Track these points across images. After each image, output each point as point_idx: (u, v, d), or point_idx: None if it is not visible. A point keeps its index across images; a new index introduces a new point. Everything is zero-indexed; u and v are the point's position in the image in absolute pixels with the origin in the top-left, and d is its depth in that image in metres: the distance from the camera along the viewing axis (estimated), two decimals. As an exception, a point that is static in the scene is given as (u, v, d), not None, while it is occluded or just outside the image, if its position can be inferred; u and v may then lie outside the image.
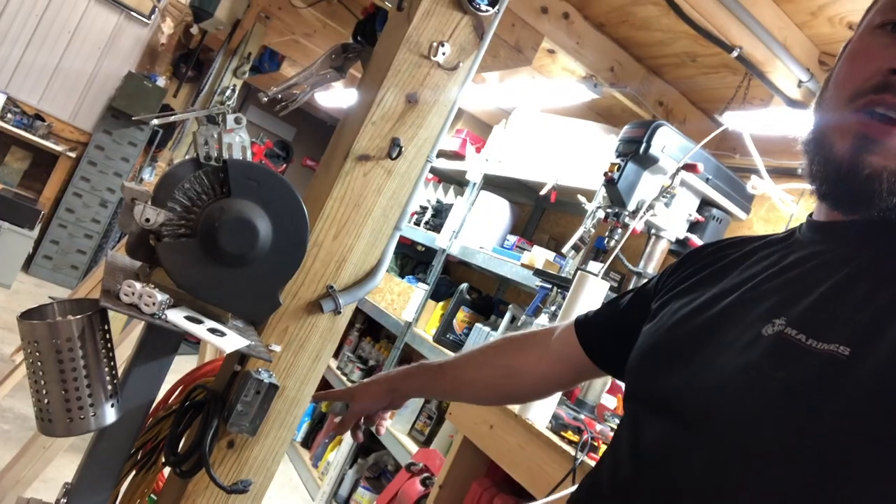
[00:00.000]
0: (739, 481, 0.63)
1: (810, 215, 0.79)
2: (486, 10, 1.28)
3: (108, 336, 1.05)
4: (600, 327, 0.99)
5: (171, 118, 1.24)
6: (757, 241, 0.84)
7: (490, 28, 1.32)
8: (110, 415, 1.04)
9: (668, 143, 1.97)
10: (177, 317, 1.04)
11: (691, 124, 2.47)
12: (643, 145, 1.95)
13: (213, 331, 1.06)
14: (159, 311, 1.00)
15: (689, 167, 1.93)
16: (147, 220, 1.04)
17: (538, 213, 3.60)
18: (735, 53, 1.78)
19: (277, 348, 1.26)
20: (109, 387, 1.04)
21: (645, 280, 2.22)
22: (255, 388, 1.17)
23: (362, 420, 1.19)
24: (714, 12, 1.65)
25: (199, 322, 1.07)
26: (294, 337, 1.28)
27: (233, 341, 1.06)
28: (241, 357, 1.22)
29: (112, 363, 1.05)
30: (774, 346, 0.65)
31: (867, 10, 0.73)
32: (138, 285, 1.00)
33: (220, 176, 1.10)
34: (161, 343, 1.17)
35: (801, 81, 1.91)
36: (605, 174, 2.01)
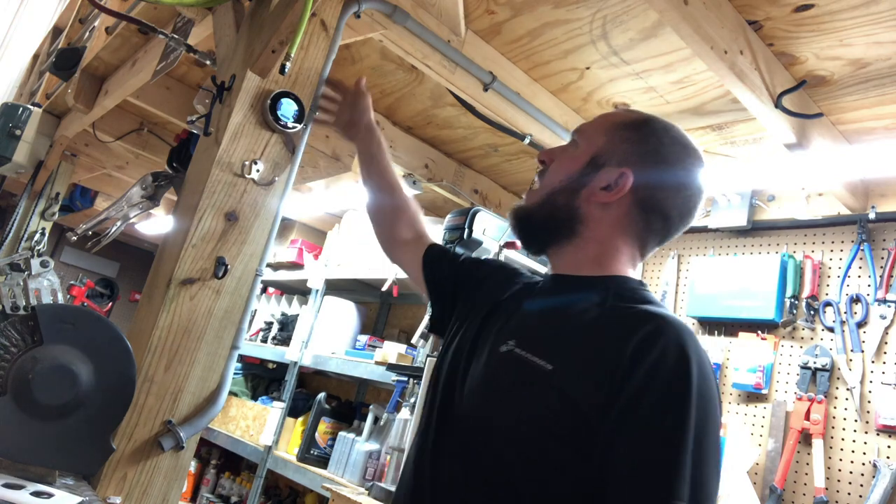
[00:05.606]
0: (484, 470, 0.83)
1: None
2: (294, 127, 1.35)
3: None
4: (439, 262, 1.27)
5: (-34, 272, 1.15)
6: (529, 279, 1.11)
7: (301, 142, 1.39)
8: None
9: (488, 225, 2.14)
10: (-9, 487, 0.93)
11: (506, 206, 2.69)
12: (466, 231, 2.11)
13: (37, 494, 0.97)
14: (-32, 484, 0.90)
15: (510, 245, 2.11)
16: (-56, 385, 0.94)
17: (385, 309, 3.65)
18: (527, 140, 2.00)
19: (118, 500, 1.16)
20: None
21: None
22: (94, 548, 1.06)
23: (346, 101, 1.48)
24: (503, 107, 1.85)
25: (21, 488, 0.97)
26: (135, 484, 1.19)
27: (63, 502, 0.97)
28: (75, 518, 1.10)
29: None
30: (506, 360, 0.89)
31: None
32: (-61, 460, 0.89)
33: (29, 324, 1.03)
34: (-25, 522, 1.04)
35: (587, 157, 2.18)
36: (437, 262, 2.13)
